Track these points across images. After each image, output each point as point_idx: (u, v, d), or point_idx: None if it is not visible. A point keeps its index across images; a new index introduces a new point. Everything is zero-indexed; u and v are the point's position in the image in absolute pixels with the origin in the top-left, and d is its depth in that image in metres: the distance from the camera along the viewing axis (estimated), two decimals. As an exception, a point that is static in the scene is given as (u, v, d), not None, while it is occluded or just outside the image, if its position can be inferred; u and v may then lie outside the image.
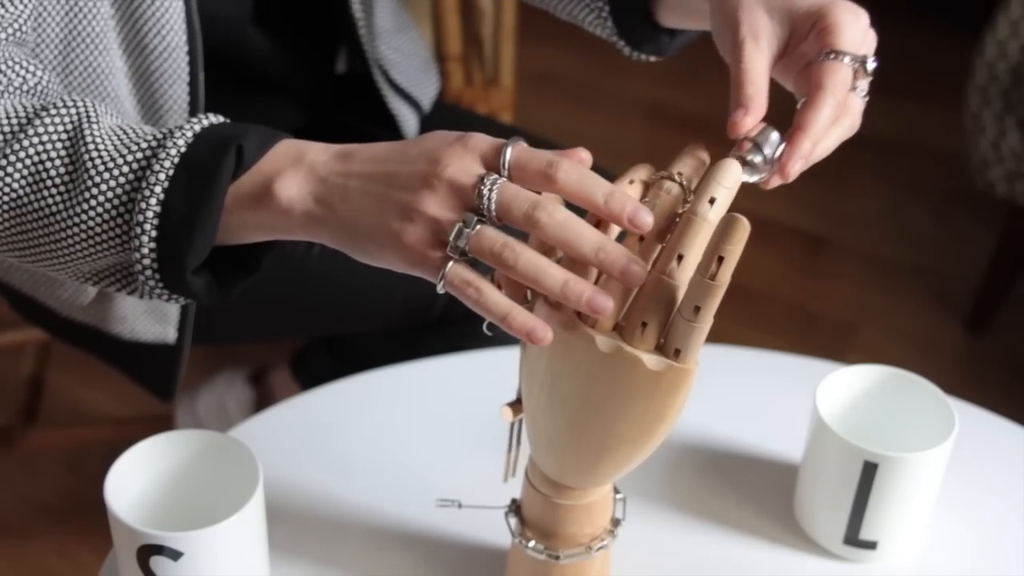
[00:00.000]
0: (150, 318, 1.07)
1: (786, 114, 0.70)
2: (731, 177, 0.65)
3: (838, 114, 0.70)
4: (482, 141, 0.67)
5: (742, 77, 0.69)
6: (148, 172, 0.71)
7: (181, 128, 0.72)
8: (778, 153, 0.68)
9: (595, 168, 1.32)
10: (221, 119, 0.74)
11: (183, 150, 0.71)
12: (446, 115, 1.30)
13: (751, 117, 0.68)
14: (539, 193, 0.65)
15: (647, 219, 0.64)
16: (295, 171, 0.70)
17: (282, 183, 0.70)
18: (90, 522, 1.51)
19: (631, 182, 0.67)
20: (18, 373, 1.70)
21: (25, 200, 0.74)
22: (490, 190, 0.64)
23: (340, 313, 1.19)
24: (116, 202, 0.72)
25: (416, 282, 0.91)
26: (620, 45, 0.93)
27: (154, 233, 0.71)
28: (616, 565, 0.80)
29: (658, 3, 0.87)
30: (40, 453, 1.72)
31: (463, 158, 0.66)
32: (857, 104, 0.71)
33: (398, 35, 1.20)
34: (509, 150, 0.66)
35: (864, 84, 0.72)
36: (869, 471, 0.80)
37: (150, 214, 0.70)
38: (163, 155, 0.71)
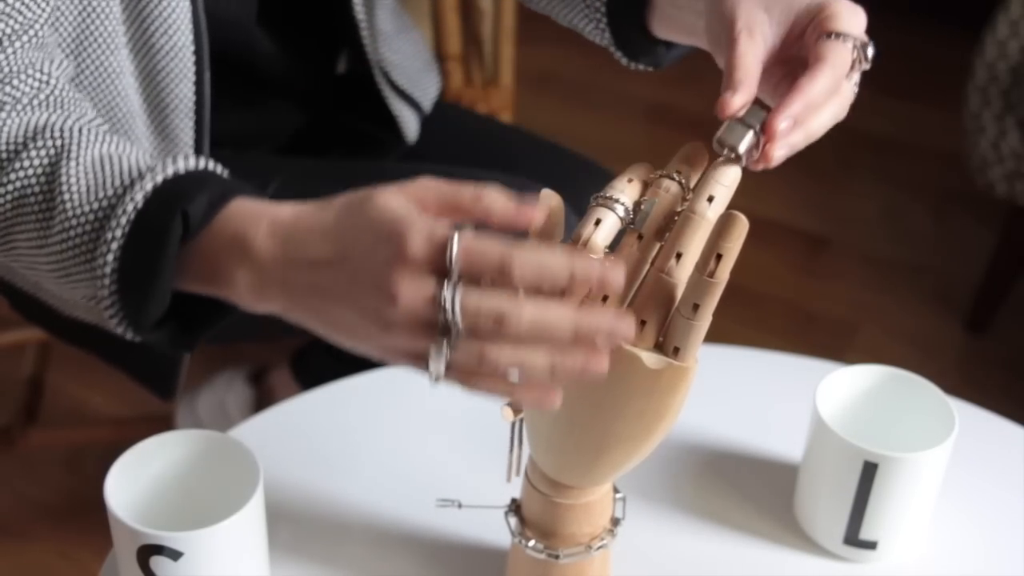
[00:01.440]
0: None
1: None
2: (730, 175, 0.65)
3: (834, 89, 0.69)
4: (420, 247, 0.61)
5: (734, 63, 0.69)
6: (106, 227, 0.71)
7: (142, 179, 0.71)
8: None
9: (596, 169, 1.31)
10: (191, 164, 0.73)
11: (139, 206, 0.70)
12: (447, 115, 1.30)
13: (739, 96, 0.67)
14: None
15: (617, 277, 0.60)
16: (247, 270, 0.67)
17: (239, 282, 0.68)
18: (90, 522, 1.51)
19: (629, 180, 0.67)
20: (18, 373, 1.70)
21: (16, 227, 0.76)
22: (452, 310, 0.60)
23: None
24: (83, 247, 0.73)
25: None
26: (618, 56, 0.93)
27: (114, 287, 0.71)
28: (616, 565, 0.80)
29: (653, 15, 0.87)
30: (40, 453, 1.72)
31: (409, 278, 0.61)
32: (849, 91, 0.71)
33: (398, 37, 1.20)
34: (455, 251, 0.60)
35: (857, 75, 0.72)
36: (869, 471, 0.80)
37: (108, 269, 0.71)
38: (120, 211, 0.71)
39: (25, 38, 0.80)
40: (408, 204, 0.63)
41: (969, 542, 0.87)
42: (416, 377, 0.99)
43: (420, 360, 0.64)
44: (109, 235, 0.71)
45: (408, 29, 1.25)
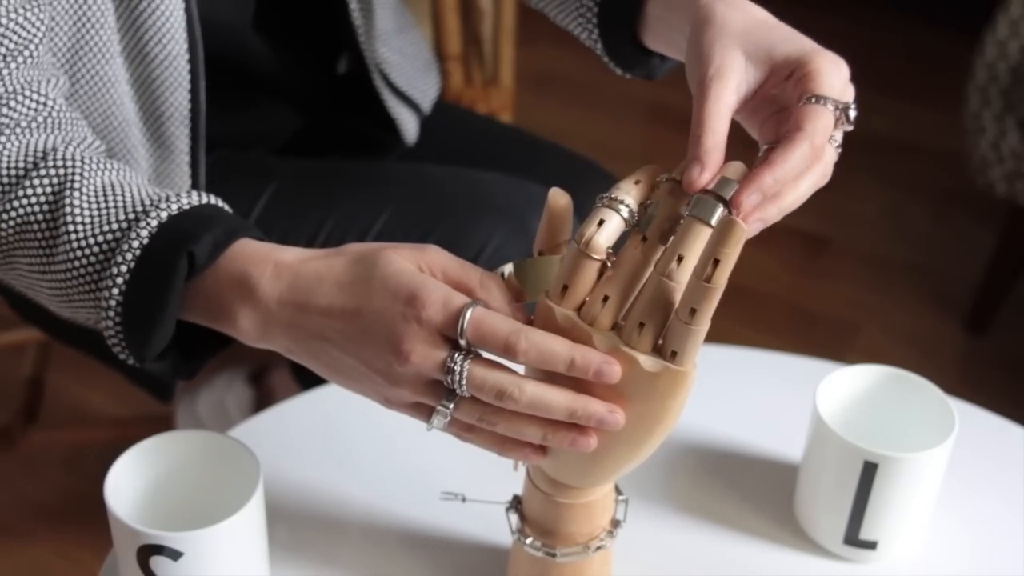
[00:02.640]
0: None
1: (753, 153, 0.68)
2: (737, 174, 0.65)
3: (812, 159, 0.66)
4: (436, 313, 0.64)
5: (701, 125, 0.67)
6: (111, 262, 0.72)
7: (147, 214, 0.72)
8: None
9: (597, 170, 1.31)
10: (195, 199, 0.74)
11: (145, 242, 0.71)
12: (447, 116, 1.30)
13: (707, 174, 0.65)
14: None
15: (613, 370, 0.64)
16: (252, 310, 0.70)
17: (243, 321, 0.70)
18: (90, 522, 1.51)
19: (636, 182, 0.67)
20: (18, 373, 1.70)
21: (18, 251, 0.76)
22: (459, 377, 0.65)
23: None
24: (88, 278, 0.73)
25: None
26: (611, 65, 0.92)
27: (118, 319, 0.72)
28: (616, 565, 0.80)
29: (644, 29, 0.86)
30: (40, 453, 1.72)
31: (422, 341, 0.65)
32: (831, 154, 0.68)
33: (399, 36, 1.20)
34: (466, 323, 0.64)
35: (840, 135, 0.69)
36: (869, 471, 0.80)
37: (113, 303, 0.72)
38: (126, 246, 0.71)
39: (20, 59, 0.80)
40: (418, 269, 0.67)
41: (969, 542, 0.87)
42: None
43: (419, 411, 0.68)
44: (115, 270, 0.71)
45: (410, 28, 1.24)
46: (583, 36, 0.93)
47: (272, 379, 1.62)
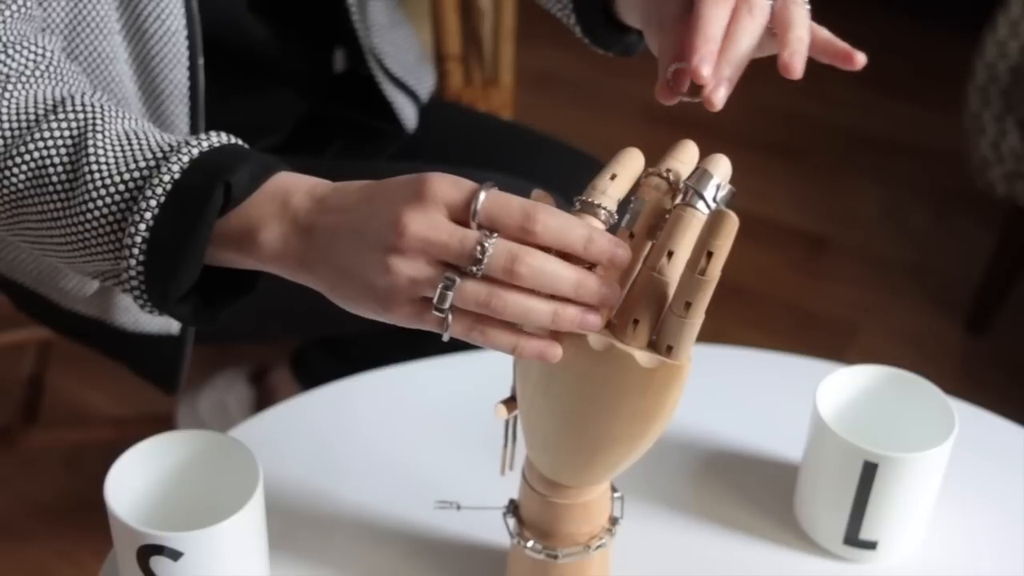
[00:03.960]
0: None
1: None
2: (720, 171, 0.65)
3: (728, 9, 0.70)
4: (446, 192, 0.64)
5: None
6: (140, 197, 0.71)
7: (179, 151, 0.72)
8: (722, 193, 0.65)
9: (596, 165, 1.31)
10: (224, 139, 0.74)
11: (176, 177, 0.71)
12: (447, 112, 1.30)
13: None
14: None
15: (625, 255, 0.64)
16: (280, 221, 0.70)
17: (266, 233, 0.70)
18: (90, 522, 1.51)
19: (612, 177, 0.67)
20: (18, 373, 1.70)
21: (28, 200, 0.75)
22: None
23: (340, 313, 1.19)
24: (111, 217, 0.72)
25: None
26: (586, 41, 0.93)
27: (142, 257, 0.71)
28: (616, 565, 0.80)
29: (617, 3, 0.87)
30: (40, 453, 1.72)
31: (423, 214, 0.64)
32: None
33: (392, 30, 1.21)
34: (481, 201, 0.64)
35: None
36: (869, 471, 0.80)
37: (138, 239, 0.71)
38: (156, 181, 0.71)
39: (14, 7, 0.80)
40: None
41: (969, 542, 0.87)
42: (415, 376, 0.99)
43: (419, 312, 0.66)
44: (143, 204, 0.71)
45: (401, 24, 1.25)
46: (562, 15, 0.93)
47: (272, 379, 1.62)
